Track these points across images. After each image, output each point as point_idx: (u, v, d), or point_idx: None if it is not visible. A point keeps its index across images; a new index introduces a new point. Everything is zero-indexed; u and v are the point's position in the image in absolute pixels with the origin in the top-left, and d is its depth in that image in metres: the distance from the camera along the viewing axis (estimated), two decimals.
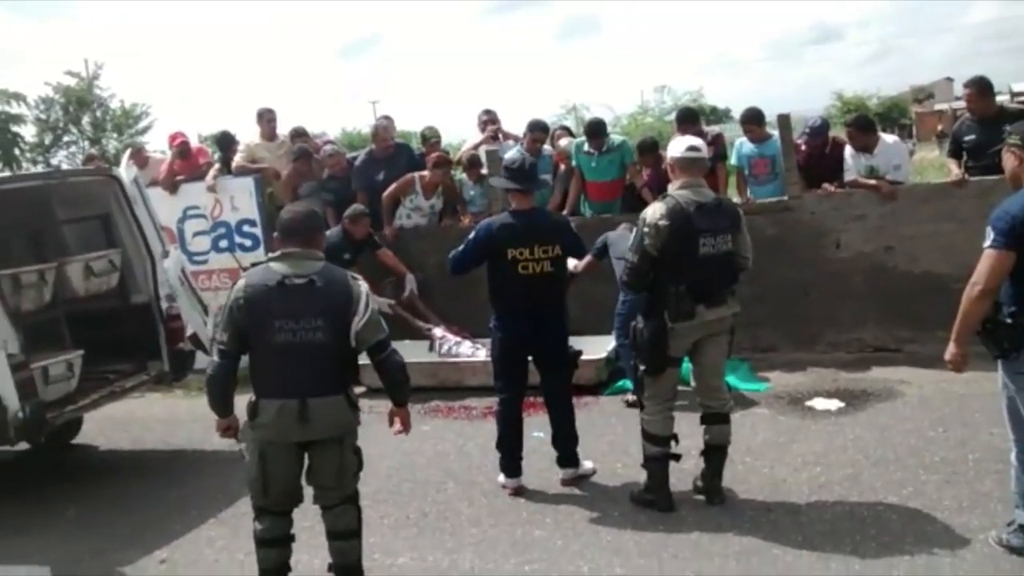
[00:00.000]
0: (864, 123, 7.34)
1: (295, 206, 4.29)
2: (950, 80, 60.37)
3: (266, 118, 8.76)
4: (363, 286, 3.63)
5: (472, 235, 5.03)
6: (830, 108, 45.57)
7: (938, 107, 52.83)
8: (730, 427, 4.65)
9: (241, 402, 3.71)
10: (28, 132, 30.48)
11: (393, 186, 8.03)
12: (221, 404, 3.71)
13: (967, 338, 3.70)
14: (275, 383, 3.54)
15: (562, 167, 8.14)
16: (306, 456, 3.68)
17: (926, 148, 35.61)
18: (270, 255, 3.78)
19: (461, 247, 5.06)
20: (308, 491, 3.78)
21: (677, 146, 4.65)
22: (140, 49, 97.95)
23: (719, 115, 49.69)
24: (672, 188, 4.56)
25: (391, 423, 3.85)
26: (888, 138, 7.53)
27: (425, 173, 8.00)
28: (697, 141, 4.73)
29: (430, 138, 8.97)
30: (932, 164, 19.46)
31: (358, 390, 3.99)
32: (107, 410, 6.18)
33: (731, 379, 6.74)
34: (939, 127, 41.24)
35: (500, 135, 8.46)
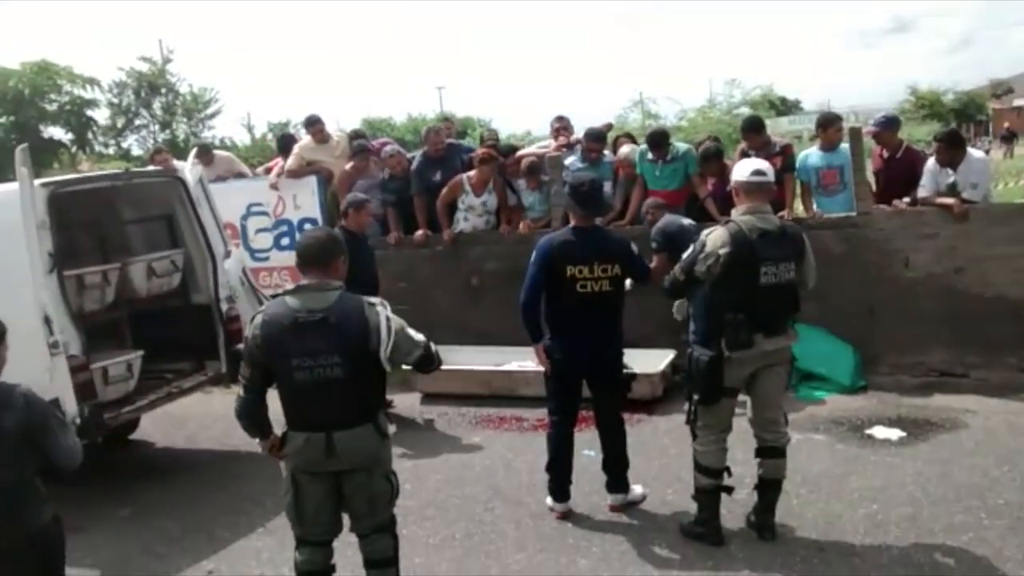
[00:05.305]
0: (956, 140, 6.95)
1: (315, 231, 4.24)
2: None
3: (315, 127, 8.83)
4: (381, 312, 3.49)
5: (532, 258, 4.92)
6: (904, 103, 44.35)
7: (1017, 103, 51.09)
8: (786, 461, 4.51)
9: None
10: (101, 116, 31.39)
11: (444, 190, 8.08)
12: (256, 430, 3.69)
13: None
14: (300, 417, 3.52)
15: (622, 174, 8.04)
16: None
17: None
18: (286, 288, 3.72)
19: (526, 280, 4.92)
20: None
21: (742, 169, 4.50)
22: (212, 30, 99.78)
23: (789, 106, 48.73)
24: (736, 213, 4.43)
25: None
26: (975, 154, 7.12)
27: (472, 173, 8.01)
28: (763, 164, 4.57)
29: (487, 140, 9.02)
30: (1009, 171, 18.67)
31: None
32: (165, 406, 6.25)
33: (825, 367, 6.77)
34: (1006, 125, 39.51)
35: (571, 146, 8.36)
